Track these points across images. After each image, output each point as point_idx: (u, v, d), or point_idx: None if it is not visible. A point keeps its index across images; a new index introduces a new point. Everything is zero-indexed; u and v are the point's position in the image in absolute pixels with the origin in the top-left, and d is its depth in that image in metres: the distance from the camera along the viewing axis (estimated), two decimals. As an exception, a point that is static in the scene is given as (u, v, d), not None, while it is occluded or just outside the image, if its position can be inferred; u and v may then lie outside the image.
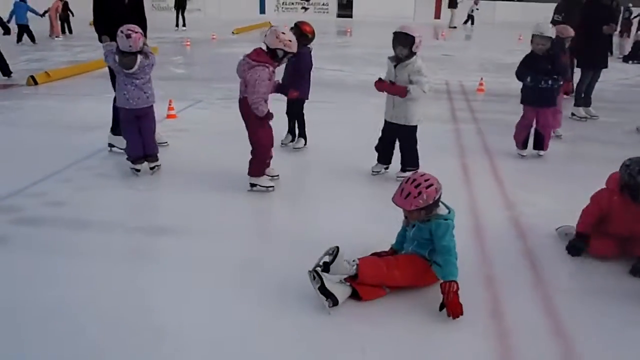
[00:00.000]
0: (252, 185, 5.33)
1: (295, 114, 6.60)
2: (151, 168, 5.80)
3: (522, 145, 6.75)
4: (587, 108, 8.98)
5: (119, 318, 3.37)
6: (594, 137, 7.77)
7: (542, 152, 6.71)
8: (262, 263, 4.08)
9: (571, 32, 7.59)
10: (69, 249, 4.25)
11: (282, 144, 6.64)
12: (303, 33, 6.32)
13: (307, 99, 6.53)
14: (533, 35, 6.36)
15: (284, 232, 4.59)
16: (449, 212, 3.69)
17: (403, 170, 5.75)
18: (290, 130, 6.73)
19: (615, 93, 11.41)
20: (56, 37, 19.79)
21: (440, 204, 3.67)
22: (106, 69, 6.33)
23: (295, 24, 6.42)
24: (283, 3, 34.43)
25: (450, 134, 7.78)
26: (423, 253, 3.71)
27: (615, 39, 19.15)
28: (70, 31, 21.54)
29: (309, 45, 6.43)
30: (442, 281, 3.50)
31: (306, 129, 6.61)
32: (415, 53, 5.32)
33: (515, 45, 18.14)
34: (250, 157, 5.25)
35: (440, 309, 3.42)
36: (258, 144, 5.19)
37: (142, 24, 6.27)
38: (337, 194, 5.39)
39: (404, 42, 5.28)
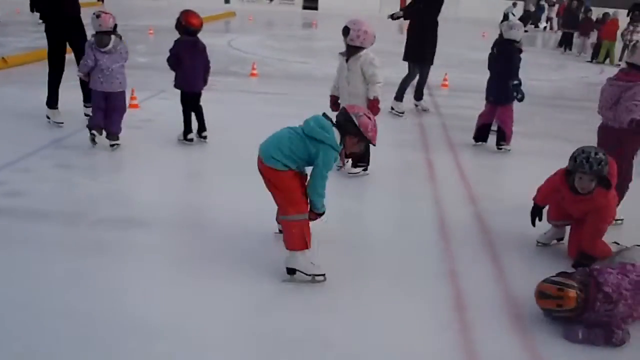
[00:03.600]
0: None
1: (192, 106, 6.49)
2: (111, 145, 6.06)
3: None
4: (420, 101, 8.99)
5: (83, 312, 3.30)
6: (555, 134, 7.91)
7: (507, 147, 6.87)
8: (230, 252, 4.03)
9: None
10: (28, 241, 4.13)
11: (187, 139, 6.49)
12: (181, 21, 6.22)
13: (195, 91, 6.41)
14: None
15: (252, 221, 4.54)
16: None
17: (353, 165, 5.72)
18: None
19: (575, 91, 11.65)
20: None
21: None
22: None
23: (180, 13, 6.30)
24: (248, -7, 34.10)
25: (415, 129, 7.84)
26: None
27: (576, 40, 19.60)
28: None
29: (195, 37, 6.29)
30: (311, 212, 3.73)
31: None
32: (363, 47, 5.30)
33: (479, 41, 18.37)
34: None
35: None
36: None
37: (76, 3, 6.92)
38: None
39: (345, 35, 5.31)
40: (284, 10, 32.04)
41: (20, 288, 3.52)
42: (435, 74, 11.71)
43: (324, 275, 3.71)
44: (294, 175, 3.59)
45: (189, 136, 6.46)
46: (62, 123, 6.85)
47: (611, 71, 15.14)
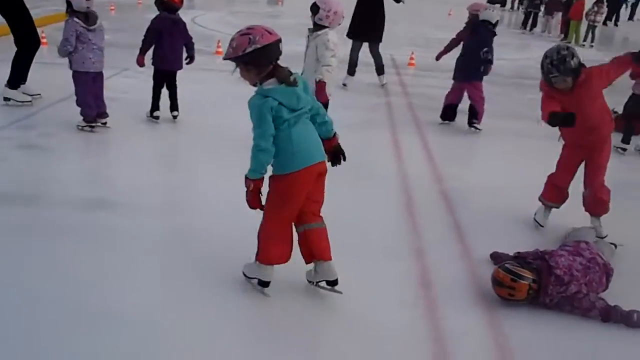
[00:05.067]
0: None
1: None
2: (103, 123, 6.02)
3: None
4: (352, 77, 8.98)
5: (44, 297, 3.24)
6: (519, 113, 8.01)
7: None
8: (201, 235, 3.99)
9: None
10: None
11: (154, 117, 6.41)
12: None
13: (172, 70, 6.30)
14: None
15: (223, 203, 4.51)
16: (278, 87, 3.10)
17: None
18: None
19: (539, 71, 11.76)
20: None
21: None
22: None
23: None
24: (213, -31, 33.45)
25: (382, 108, 7.85)
26: None
27: (541, 19, 19.81)
28: None
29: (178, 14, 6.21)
30: None
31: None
32: (326, 26, 5.22)
33: (445, 20, 18.44)
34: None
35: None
36: None
37: None
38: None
39: (314, 13, 5.26)
40: (249, -13, 31.57)
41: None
42: (402, 53, 11.79)
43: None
44: None
45: (156, 113, 6.38)
46: (31, 101, 6.63)
47: (578, 51, 15.31)
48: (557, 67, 3.99)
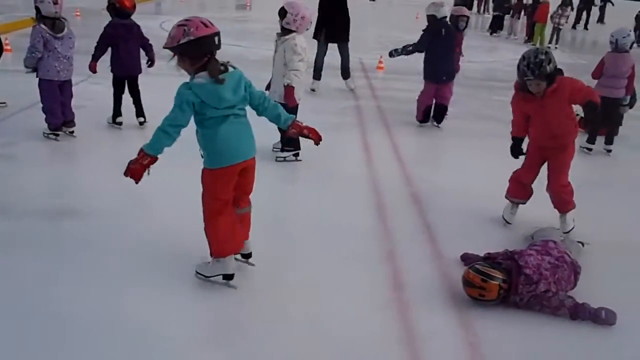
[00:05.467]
0: None
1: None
2: (70, 132, 5.94)
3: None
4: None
5: (8, 305, 3.18)
6: (488, 115, 8.10)
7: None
8: (165, 242, 3.94)
9: (465, 11, 7.87)
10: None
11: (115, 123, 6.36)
12: (113, 3, 6.11)
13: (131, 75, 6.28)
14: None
15: (188, 210, 4.45)
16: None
17: (282, 150, 5.66)
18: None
19: (507, 73, 11.92)
20: None
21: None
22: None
23: None
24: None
25: (352, 111, 7.87)
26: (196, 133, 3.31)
27: (506, 21, 20.07)
28: None
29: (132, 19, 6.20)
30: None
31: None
32: (293, 30, 5.23)
33: (413, 23, 18.57)
34: None
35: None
36: None
37: None
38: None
39: (281, 17, 5.25)
40: (217, -8, 31.45)
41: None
42: (370, 57, 11.83)
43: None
44: None
45: (118, 120, 6.32)
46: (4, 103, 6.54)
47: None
48: (533, 70, 4.04)
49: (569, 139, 4.36)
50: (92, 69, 6.05)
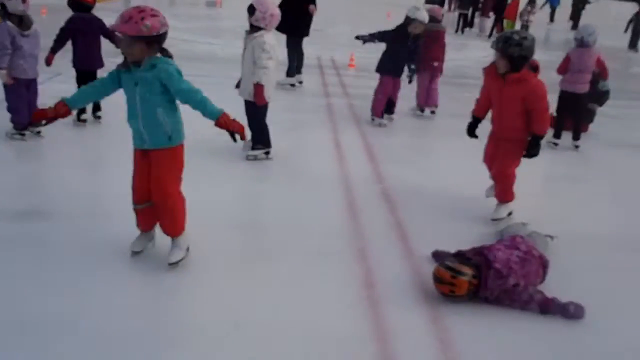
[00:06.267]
0: None
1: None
2: (38, 132, 5.78)
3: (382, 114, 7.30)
4: (299, 75, 9.03)
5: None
6: (458, 112, 8.13)
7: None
8: (127, 240, 3.87)
9: (439, 13, 7.93)
10: None
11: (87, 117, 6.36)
12: None
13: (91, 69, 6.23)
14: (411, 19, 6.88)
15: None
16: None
17: (252, 148, 5.59)
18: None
19: (477, 70, 12.02)
20: None
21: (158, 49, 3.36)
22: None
23: None
24: (149, -29, 32.87)
25: (323, 109, 7.86)
26: (156, 111, 3.39)
27: (476, 19, 20.27)
28: None
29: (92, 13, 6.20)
30: (216, 119, 3.36)
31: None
32: (262, 28, 5.21)
33: (384, 22, 18.62)
34: None
35: (234, 138, 3.43)
36: None
37: None
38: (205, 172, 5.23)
39: (250, 14, 5.23)
40: (187, -11, 31.17)
41: None
42: (342, 54, 11.85)
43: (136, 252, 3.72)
44: None
45: (82, 117, 6.26)
46: None
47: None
48: (498, 42, 4.19)
49: (516, 136, 4.45)
50: (49, 61, 5.97)
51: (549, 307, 3.40)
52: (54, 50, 5.98)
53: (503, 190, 4.58)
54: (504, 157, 4.51)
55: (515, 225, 4.29)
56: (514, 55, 4.16)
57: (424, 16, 6.89)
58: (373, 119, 7.17)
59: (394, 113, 7.39)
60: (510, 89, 4.25)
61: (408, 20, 6.89)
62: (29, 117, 5.63)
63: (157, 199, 3.51)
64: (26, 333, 2.95)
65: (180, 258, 3.58)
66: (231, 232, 4.14)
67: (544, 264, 3.65)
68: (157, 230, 3.74)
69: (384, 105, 7.18)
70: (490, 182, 4.75)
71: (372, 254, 4.02)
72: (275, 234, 4.25)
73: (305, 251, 3.99)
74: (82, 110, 6.21)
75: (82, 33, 5.99)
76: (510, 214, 4.64)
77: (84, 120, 6.25)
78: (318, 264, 3.85)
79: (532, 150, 4.34)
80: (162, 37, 3.30)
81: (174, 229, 3.59)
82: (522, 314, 3.40)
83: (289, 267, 3.77)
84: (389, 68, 7.06)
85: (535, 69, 4.31)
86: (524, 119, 4.33)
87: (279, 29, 8.42)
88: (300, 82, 8.89)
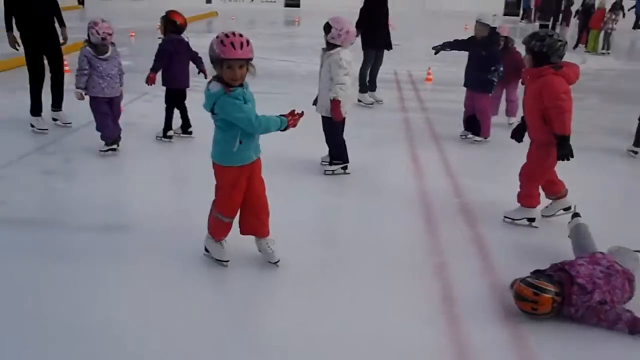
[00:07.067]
0: None
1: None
2: (114, 148, 6.11)
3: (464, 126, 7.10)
4: (373, 93, 8.98)
5: (60, 319, 3.28)
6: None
7: (477, 138, 6.93)
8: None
9: (505, 30, 7.74)
10: (9, 248, 4.09)
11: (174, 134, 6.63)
12: (170, 19, 6.40)
13: (182, 88, 6.50)
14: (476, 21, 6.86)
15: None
16: None
17: (330, 163, 5.66)
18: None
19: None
20: None
21: None
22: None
23: (166, 13, 6.50)
24: (229, -7, 33.97)
25: (400, 124, 7.84)
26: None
27: (557, 29, 19.72)
28: None
29: (183, 35, 6.44)
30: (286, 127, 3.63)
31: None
32: (338, 45, 5.27)
33: (462, 34, 18.40)
34: None
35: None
36: None
37: (56, 6, 6.96)
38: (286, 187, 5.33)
39: (326, 32, 5.31)
40: (266, 9, 31.98)
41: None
42: (419, 68, 11.79)
43: (226, 262, 3.85)
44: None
45: (169, 133, 6.53)
46: (47, 129, 6.81)
47: (595, 60, 15.07)
48: (526, 37, 4.33)
49: (538, 137, 4.43)
50: (151, 80, 6.30)
51: (638, 327, 3.25)
52: (155, 69, 6.31)
53: (522, 194, 4.60)
54: (528, 159, 4.56)
55: (622, 250, 3.91)
56: (535, 50, 4.23)
57: (489, 19, 6.82)
58: (465, 137, 7.07)
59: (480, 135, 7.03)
60: (531, 85, 4.32)
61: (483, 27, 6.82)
62: (114, 132, 6.05)
63: (261, 205, 3.78)
64: (104, 340, 3.10)
65: (278, 257, 3.84)
66: (309, 245, 4.20)
67: (629, 278, 3.49)
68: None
69: (465, 120, 7.05)
70: (559, 212, 4.73)
71: (451, 269, 3.96)
72: (352, 247, 4.27)
73: (382, 265, 3.99)
74: (169, 127, 6.49)
75: (176, 53, 6.31)
76: (532, 220, 4.61)
77: (170, 137, 6.53)
78: (395, 278, 3.83)
79: (559, 151, 4.24)
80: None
81: (267, 229, 3.85)
82: (609, 334, 3.26)
83: (365, 281, 3.78)
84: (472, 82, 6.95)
85: (559, 68, 4.22)
86: (543, 117, 4.30)
87: (366, 44, 8.60)
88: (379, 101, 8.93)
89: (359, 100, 8.70)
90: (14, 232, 4.37)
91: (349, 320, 3.35)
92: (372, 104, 8.78)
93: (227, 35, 3.40)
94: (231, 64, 3.40)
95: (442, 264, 4.04)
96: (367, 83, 8.89)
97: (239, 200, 3.71)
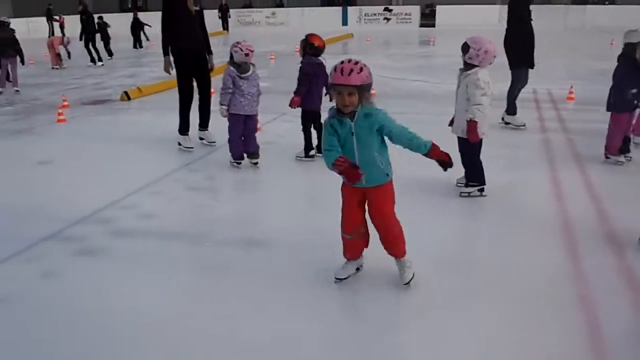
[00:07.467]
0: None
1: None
2: (254, 163, 6.58)
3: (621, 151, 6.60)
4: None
5: (193, 328, 3.46)
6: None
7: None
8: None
9: None
10: (157, 261, 4.40)
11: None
12: (309, 42, 6.55)
13: (317, 110, 6.63)
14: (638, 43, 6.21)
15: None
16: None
17: (466, 185, 5.54)
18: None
19: None
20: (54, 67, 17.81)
21: None
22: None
23: (305, 36, 6.68)
24: (365, 14, 34.51)
25: (539, 145, 7.50)
26: (374, 154, 3.66)
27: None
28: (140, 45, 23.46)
29: (320, 57, 6.56)
30: (426, 152, 3.66)
31: None
32: (476, 65, 5.17)
33: (607, 50, 17.36)
34: None
35: (444, 167, 3.70)
36: None
37: (205, 35, 7.41)
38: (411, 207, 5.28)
39: (464, 52, 5.24)
40: (401, 29, 32.07)
41: (148, 301, 3.78)
42: (559, 87, 11.24)
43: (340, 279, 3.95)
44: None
45: (311, 153, 6.75)
46: (193, 148, 7.29)
47: None
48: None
49: None
50: (295, 104, 6.53)
51: None
52: (298, 92, 6.52)
53: None
54: None
55: None
56: None
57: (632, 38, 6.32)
58: (608, 157, 6.64)
59: (630, 151, 6.66)
60: None
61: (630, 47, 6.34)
62: (242, 148, 6.48)
63: (383, 228, 3.80)
64: (237, 352, 3.21)
65: (411, 277, 3.84)
66: (442, 268, 4.11)
67: None
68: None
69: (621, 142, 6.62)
70: None
71: (597, 302, 3.70)
72: (487, 274, 4.13)
73: (518, 295, 3.81)
74: (310, 147, 6.72)
75: (316, 76, 6.51)
76: None
77: (312, 156, 6.77)
78: (533, 309, 3.64)
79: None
80: (370, 85, 3.53)
81: (400, 250, 3.86)
82: None
83: (499, 311, 3.63)
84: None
85: None
86: None
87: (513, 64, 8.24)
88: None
89: (507, 123, 8.38)
90: (163, 243, 4.71)
91: (479, 353, 3.24)
92: (524, 125, 8.42)
93: (341, 62, 3.48)
94: (340, 90, 3.47)
95: (587, 296, 3.78)
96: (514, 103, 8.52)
97: (353, 217, 3.83)
